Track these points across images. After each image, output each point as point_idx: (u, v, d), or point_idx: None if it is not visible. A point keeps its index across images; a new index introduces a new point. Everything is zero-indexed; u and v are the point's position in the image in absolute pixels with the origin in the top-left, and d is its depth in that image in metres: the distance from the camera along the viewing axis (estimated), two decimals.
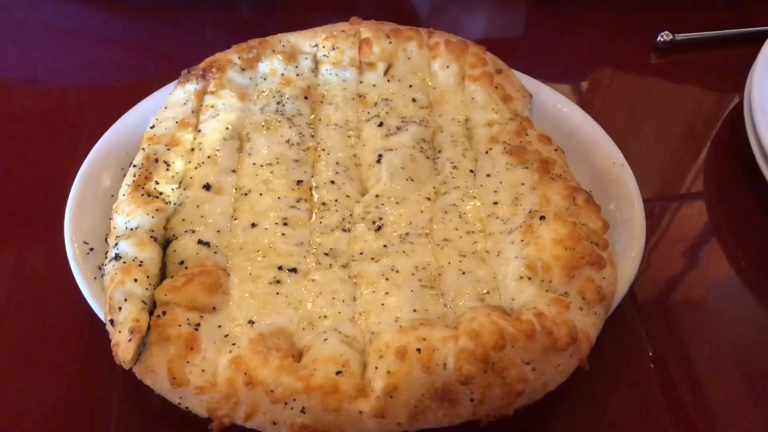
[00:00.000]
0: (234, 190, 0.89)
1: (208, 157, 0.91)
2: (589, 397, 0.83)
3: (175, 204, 0.87)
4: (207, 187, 0.88)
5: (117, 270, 0.78)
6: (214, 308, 0.77)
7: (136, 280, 0.76)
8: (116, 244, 0.81)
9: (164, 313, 0.75)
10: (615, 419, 0.83)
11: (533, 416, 0.74)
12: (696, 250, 1.01)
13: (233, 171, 0.90)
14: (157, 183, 0.87)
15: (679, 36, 1.27)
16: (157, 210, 0.84)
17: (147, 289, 0.77)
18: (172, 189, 0.88)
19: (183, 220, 0.84)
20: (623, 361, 0.87)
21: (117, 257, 0.80)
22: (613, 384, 0.85)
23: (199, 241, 0.82)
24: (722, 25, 1.30)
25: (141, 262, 0.79)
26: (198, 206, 0.86)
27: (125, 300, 0.75)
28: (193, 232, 0.83)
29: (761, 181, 0.98)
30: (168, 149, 0.91)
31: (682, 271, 0.98)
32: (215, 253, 0.82)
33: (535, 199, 0.85)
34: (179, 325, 0.74)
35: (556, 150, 0.93)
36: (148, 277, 0.78)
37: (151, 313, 0.75)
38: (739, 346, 0.91)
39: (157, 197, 0.86)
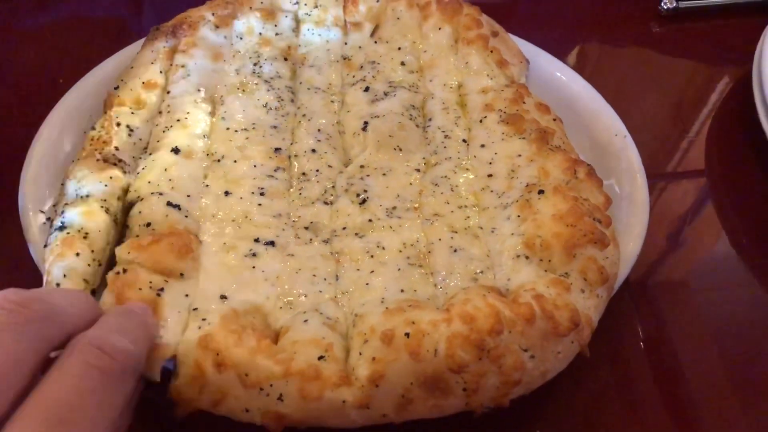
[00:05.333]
0: (206, 156, 0.81)
1: (178, 120, 0.83)
2: (573, 381, 0.78)
3: (136, 174, 0.79)
4: (176, 150, 0.80)
5: (59, 241, 0.70)
6: (181, 275, 0.69)
7: (78, 255, 0.69)
8: (63, 212, 0.73)
9: (125, 271, 0.67)
10: (602, 406, 0.79)
11: (523, 401, 0.68)
12: (695, 228, 0.96)
13: (205, 136, 0.83)
14: (117, 149, 0.80)
15: (683, 3, 1.21)
16: (111, 178, 0.76)
17: (89, 265, 0.69)
18: (133, 157, 0.81)
19: (149, 182, 0.76)
20: (613, 346, 0.82)
21: (62, 227, 0.72)
22: (603, 370, 0.80)
23: (169, 203, 0.74)
24: None
25: (86, 234, 0.71)
26: (166, 169, 0.78)
27: (64, 276, 0.67)
28: (161, 194, 0.75)
29: (766, 155, 0.94)
30: (132, 112, 0.84)
31: (680, 251, 0.94)
32: (186, 217, 0.74)
33: (532, 171, 0.79)
34: (140, 288, 0.66)
35: (554, 120, 0.87)
36: (92, 251, 0.70)
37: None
38: (740, 328, 0.86)
39: (115, 164, 0.78)
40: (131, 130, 0.82)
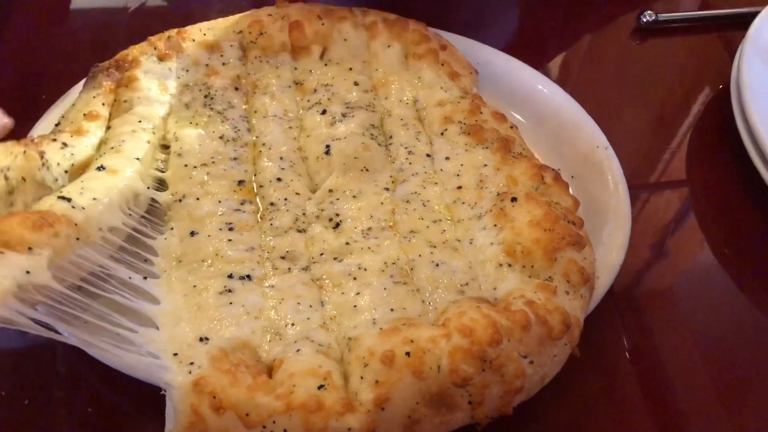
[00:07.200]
0: (135, 174, 0.78)
1: (112, 147, 0.80)
2: (559, 391, 0.75)
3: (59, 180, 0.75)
4: (100, 168, 0.76)
5: None
6: (30, 249, 0.63)
7: None
8: None
9: None
10: (588, 417, 0.79)
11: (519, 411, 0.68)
12: (677, 237, 0.97)
13: (137, 159, 0.79)
14: (43, 153, 0.75)
15: (663, 16, 1.22)
16: (23, 153, 0.72)
17: None
18: (58, 164, 0.76)
19: (60, 192, 0.72)
20: (598, 357, 0.81)
21: None
22: (589, 381, 0.80)
23: (60, 197, 0.70)
24: (708, 6, 1.27)
25: None
26: (82, 181, 0.74)
27: None
28: (64, 196, 0.71)
29: (746, 166, 0.95)
30: (72, 136, 0.80)
31: (663, 261, 0.95)
32: (74, 208, 0.69)
33: (501, 180, 0.80)
34: None
35: (511, 127, 0.89)
36: None
37: None
38: (723, 336, 0.87)
39: (33, 152, 0.74)
40: (65, 145, 0.78)
